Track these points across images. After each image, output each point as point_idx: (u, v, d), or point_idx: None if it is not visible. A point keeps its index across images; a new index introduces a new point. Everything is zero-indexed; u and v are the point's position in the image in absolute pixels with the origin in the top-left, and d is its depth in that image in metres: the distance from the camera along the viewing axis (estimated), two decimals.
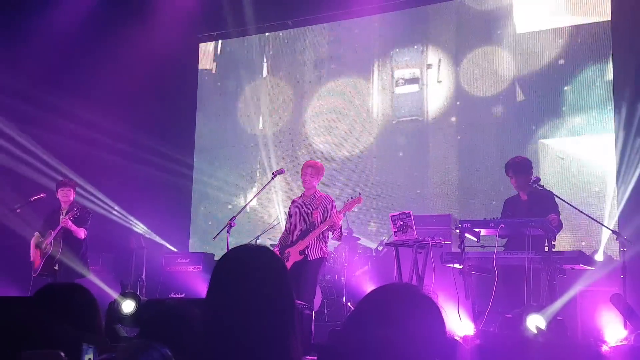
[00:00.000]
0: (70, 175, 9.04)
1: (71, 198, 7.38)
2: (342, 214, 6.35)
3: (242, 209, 7.16)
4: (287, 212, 6.79)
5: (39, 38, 9.69)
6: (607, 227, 6.26)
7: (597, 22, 8.51)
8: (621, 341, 5.53)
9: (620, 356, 4.69)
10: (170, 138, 10.85)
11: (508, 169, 6.06)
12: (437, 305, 1.76)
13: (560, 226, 5.80)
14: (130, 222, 10.33)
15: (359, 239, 8.81)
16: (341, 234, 6.50)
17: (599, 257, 7.19)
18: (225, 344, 1.75)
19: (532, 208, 5.87)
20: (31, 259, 7.34)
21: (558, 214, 5.82)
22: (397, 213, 6.26)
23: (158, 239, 10.43)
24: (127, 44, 10.15)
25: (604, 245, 7.58)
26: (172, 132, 10.89)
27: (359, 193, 6.42)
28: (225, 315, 1.78)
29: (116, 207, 10.16)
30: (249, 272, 1.84)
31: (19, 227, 7.86)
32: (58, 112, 9.70)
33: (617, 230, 6.26)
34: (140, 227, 10.36)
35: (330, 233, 6.44)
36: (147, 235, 10.29)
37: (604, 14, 8.48)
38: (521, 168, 6.00)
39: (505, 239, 5.98)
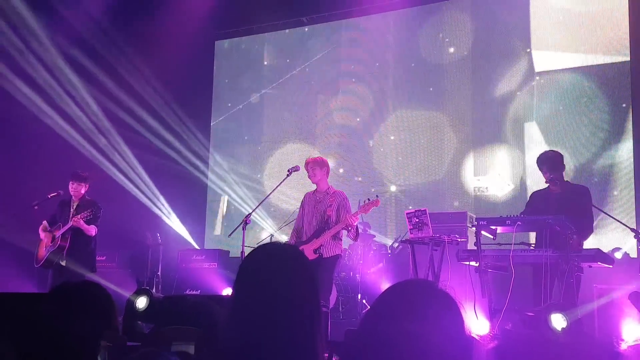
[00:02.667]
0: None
1: (82, 192, 7.26)
2: (357, 216, 6.31)
3: (257, 206, 7.15)
4: (300, 206, 6.73)
5: (58, 36, 9.77)
6: (625, 225, 6.18)
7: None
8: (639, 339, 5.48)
9: (639, 355, 4.64)
10: (186, 135, 10.91)
11: (542, 164, 5.92)
12: (455, 301, 1.75)
13: (588, 232, 5.75)
14: (170, 216, 10.53)
15: (374, 235, 8.79)
16: (357, 234, 6.43)
17: (619, 255, 7.12)
18: (251, 342, 1.74)
19: (565, 203, 5.74)
20: (38, 248, 7.23)
21: (592, 211, 5.74)
22: (413, 210, 6.23)
23: (185, 234, 10.55)
24: (143, 41, 10.20)
25: (622, 244, 7.52)
26: (188, 128, 10.92)
27: (377, 195, 6.38)
28: (251, 313, 1.78)
29: (162, 200, 10.36)
30: (276, 270, 1.83)
31: (34, 223, 7.88)
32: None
33: (636, 229, 6.17)
34: (175, 222, 10.53)
35: (345, 231, 6.41)
36: (175, 229, 10.42)
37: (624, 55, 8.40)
38: (556, 163, 5.89)
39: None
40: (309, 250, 6.17)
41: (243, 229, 6.67)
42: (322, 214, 6.35)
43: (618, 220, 6.21)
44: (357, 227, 6.34)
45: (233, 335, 1.78)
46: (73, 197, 7.28)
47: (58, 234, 7.05)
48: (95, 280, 6.81)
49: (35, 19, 9.60)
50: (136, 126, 10.35)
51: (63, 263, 7.00)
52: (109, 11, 10.13)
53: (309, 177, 6.54)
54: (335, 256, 6.27)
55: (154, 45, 10.24)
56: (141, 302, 5.47)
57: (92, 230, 7.12)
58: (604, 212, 6.06)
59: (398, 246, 8.48)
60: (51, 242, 7.06)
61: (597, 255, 5.44)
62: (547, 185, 5.96)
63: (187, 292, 8.58)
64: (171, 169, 10.66)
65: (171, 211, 10.68)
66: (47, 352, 2.10)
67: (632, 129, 8.13)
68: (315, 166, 6.46)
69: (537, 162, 6.02)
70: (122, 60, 10.17)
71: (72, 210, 7.21)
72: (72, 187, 7.25)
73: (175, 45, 10.31)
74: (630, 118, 8.17)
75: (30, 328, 2.17)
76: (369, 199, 6.30)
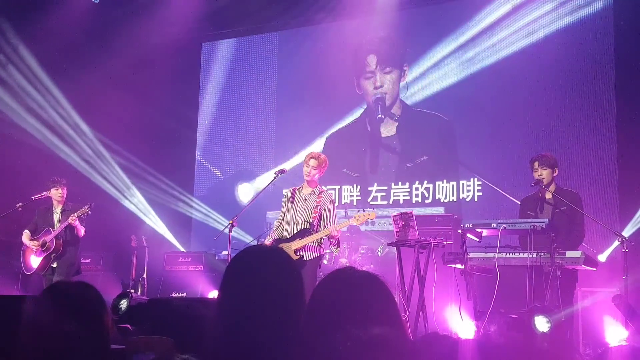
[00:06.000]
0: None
1: (65, 196, 7.48)
2: (340, 229, 6.09)
3: (244, 209, 7.13)
4: (284, 199, 6.46)
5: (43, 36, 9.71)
6: (609, 229, 6.22)
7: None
8: (622, 342, 5.53)
9: (621, 357, 4.68)
10: (172, 138, 10.89)
11: (536, 164, 5.91)
12: (383, 283, 1.83)
13: (580, 240, 5.79)
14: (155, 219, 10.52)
15: (363, 239, 8.78)
16: (339, 244, 6.25)
17: (602, 258, 7.17)
18: (237, 344, 1.75)
19: (559, 209, 5.79)
20: (24, 257, 7.33)
21: (583, 218, 5.78)
22: (399, 213, 6.23)
23: (170, 238, 10.53)
24: (128, 45, 10.17)
25: (606, 247, 7.57)
26: (175, 131, 10.89)
27: (373, 208, 6.29)
28: (237, 316, 1.78)
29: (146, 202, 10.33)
30: (262, 272, 1.84)
31: (16, 225, 7.86)
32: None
33: (619, 232, 6.23)
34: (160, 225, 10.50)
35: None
36: (159, 232, 10.41)
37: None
38: (548, 165, 5.87)
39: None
40: (290, 251, 5.94)
41: (229, 232, 6.66)
42: (308, 213, 6.15)
43: (603, 225, 6.25)
44: (339, 239, 6.16)
45: (220, 336, 1.78)
46: (57, 202, 7.45)
47: (49, 237, 7.17)
48: (90, 279, 6.84)
49: (14, 26, 9.57)
50: (119, 130, 10.31)
51: (54, 265, 7.20)
52: (93, 13, 10.10)
53: (308, 173, 6.17)
54: (317, 257, 6.12)
55: (139, 48, 10.21)
56: (122, 305, 5.49)
57: (82, 230, 7.29)
58: (592, 218, 6.07)
59: (385, 249, 8.49)
60: (42, 248, 7.12)
61: (581, 258, 5.48)
62: (535, 189, 5.96)
63: (173, 294, 8.55)
64: (157, 170, 10.67)
65: (155, 214, 10.67)
66: (41, 352, 2.10)
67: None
68: (317, 165, 6.17)
69: (530, 162, 5.98)
70: (105, 65, 10.12)
71: (56, 214, 7.39)
72: (56, 192, 7.43)
73: (160, 48, 10.30)
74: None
75: (20, 329, 2.16)
76: (364, 210, 6.17)
